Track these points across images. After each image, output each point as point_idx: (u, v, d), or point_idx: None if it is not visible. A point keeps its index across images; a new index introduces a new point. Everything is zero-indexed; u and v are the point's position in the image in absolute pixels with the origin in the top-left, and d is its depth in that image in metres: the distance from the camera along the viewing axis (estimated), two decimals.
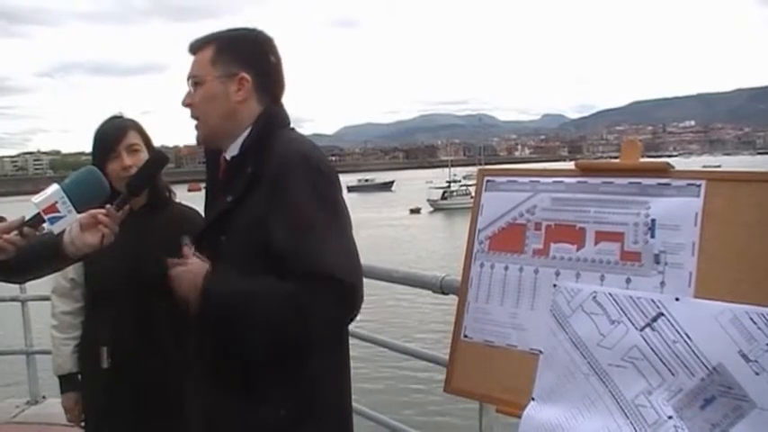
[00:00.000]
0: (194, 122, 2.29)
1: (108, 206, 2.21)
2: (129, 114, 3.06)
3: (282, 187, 2.09)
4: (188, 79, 2.27)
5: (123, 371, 2.84)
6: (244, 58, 2.25)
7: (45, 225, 2.12)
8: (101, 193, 2.21)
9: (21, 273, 2.41)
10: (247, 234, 2.11)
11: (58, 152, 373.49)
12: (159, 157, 2.47)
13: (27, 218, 2.12)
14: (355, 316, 2.14)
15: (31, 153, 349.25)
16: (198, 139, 2.31)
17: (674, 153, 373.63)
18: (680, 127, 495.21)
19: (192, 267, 2.19)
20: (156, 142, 3.06)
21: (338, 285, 2.01)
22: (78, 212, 2.13)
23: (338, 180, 2.24)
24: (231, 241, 2.16)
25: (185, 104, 2.28)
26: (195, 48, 2.28)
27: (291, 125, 2.33)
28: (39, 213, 2.10)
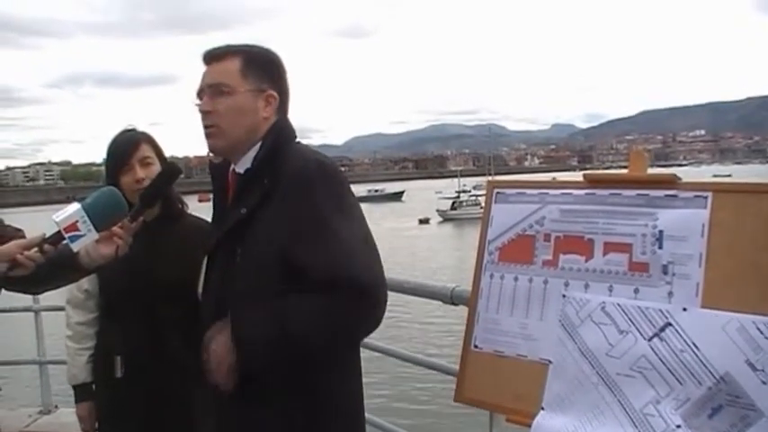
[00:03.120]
0: (208, 130, 2.25)
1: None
2: (138, 125, 3.09)
3: (302, 197, 2.10)
4: (210, 86, 2.23)
5: (136, 380, 2.87)
6: (271, 76, 2.27)
7: (65, 242, 2.15)
8: (120, 213, 2.24)
9: (37, 284, 2.45)
10: (264, 245, 2.11)
11: (68, 163, 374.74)
12: (172, 170, 2.49)
13: (47, 235, 2.15)
14: (379, 323, 2.16)
15: (42, 164, 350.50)
16: (212, 147, 2.28)
17: (684, 162, 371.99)
18: (690, 136, 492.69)
19: (219, 339, 2.13)
20: (166, 153, 3.10)
21: (365, 294, 2.03)
22: (98, 231, 2.17)
23: (352, 192, 2.26)
24: (247, 252, 2.15)
25: (205, 110, 2.23)
26: (217, 56, 2.26)
27: (299, 138, 2.35)
28: (59, 231, 2.13)
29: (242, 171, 2.27)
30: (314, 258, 2.05)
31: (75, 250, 2.18)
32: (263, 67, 2.26)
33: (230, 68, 2.23)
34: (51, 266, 2.24)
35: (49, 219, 2.19)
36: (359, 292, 2.02)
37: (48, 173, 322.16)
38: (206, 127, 2.25)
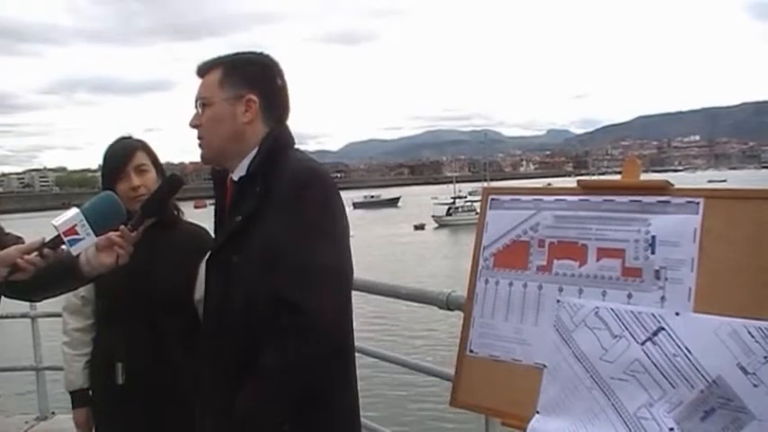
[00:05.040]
0: (198, 142, 2.32)
1: (122, 227, 2.26)
2: (133, 132, 3.12)
3: (289, 207, 2.12)
4: (196, 101, 2.30)
5: (135, 387, 2.88)
6: (251, 80, 2.29)
7: (64, 247, 2.17)
8: (118, 217, 2.26)
9: (37, 292, 2.46)
10: (260, 252, 2.13)
11: (63, 169, 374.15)
12: (175, 181, 2.51)
13: (47, 239, 2.17)
14: (337, 341, 2.15)
15: (37, 170, 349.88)
16: (201, 158, 2.35)
17: (680, 168, 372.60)
18: (685, 141, 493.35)
19: None
20: (162, 159, 3.12)
21: (303, 317, 2.02)
22: (96, 235, 2.19)
23: (341, 199, 2.27)
24: (244, 261, 2.17)
25: (193, 125, 2.31)
26: (203, 71, 2.32)
27: (296, 144, 2.37)
28: (58, 235, 2.16)
29: (236, 179, 2.30)
30: (280, 270, 2.08)
31: (74, 254, 2.20)
32: (242, 73, 2.29)
33: (211, 81, 2.29)
34: (52, 273, 2.25)
35: (44, 225, 2.21)
36: (299, 322, 2.03)
37: (43, 179, 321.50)
38: (198, 139, 2.32)
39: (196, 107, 2.31)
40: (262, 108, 2.28)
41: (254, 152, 2.27)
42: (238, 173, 2.30)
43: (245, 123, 2.27)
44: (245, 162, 2.28)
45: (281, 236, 2.10)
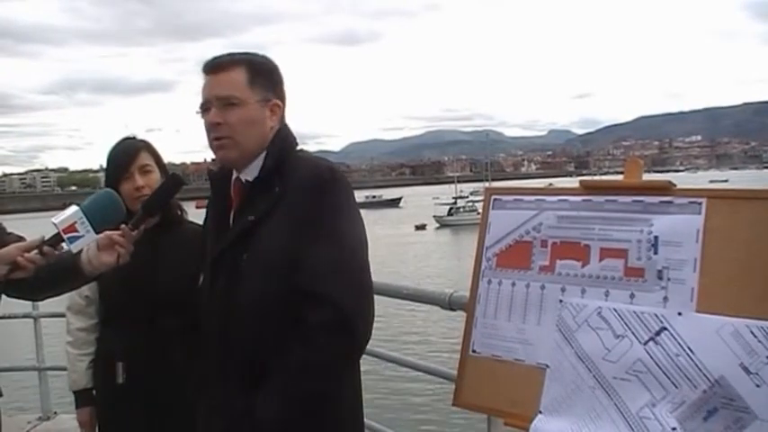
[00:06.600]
0: (219, 141, 2.24)
1: (123, 226, 2.26)
2: (135, 132, 3.13)
3: (310, 203, 2.13)
4: (218, 98, 2.21)
5: (137, 386, 2.89)
6: (274, 85, 2.29)
7: (64, 244, 2.18)
8: (118, 215, 2.27)
9: (39, 291, 2.47)
10: (272, 252, 2.13)
11: (65, 169, 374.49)
12: (175, 181, 2.51)
13: (47, 237, 2.18)
14: (365, 341, 2.18)
15: (38, 170, 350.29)
16: (224, 159, 2.28)
17: (681, 168, 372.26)
18: (686, 142, 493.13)
19: None
20: (163, 160, 3.13)
21: (337, 313, 2.05)
22: (96, 233, 2.19)
23: (355, 198, 2.29)
24: (254, 259, 2.17)
25: (214, 123, 2.21)
26: (220, 67, 2.24)
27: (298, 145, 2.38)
28: (58, 233, 2.16)
29: (250, 179, 2.28)
30: (305, 267, 2.09)
31: (74, 251, 2.21)
32: (266, 77, 2.27)
33: (237, 79, 2.22)
34: (53, 271, 2.26)
35: (46, 225, 2.22)
36: (331, 317, 2.05)
37: (44, 179, 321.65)
38: (217, 139, 2.24)
39: (210, 104, 2.23)
40: (282, 113, 2.31)
41: (264, 153, 2.26)
42: (250, 173, 2.28)
43: (271, 128, 2.27)
44: (256, 162, 2.26)
45: (299, 235, 2.11)
